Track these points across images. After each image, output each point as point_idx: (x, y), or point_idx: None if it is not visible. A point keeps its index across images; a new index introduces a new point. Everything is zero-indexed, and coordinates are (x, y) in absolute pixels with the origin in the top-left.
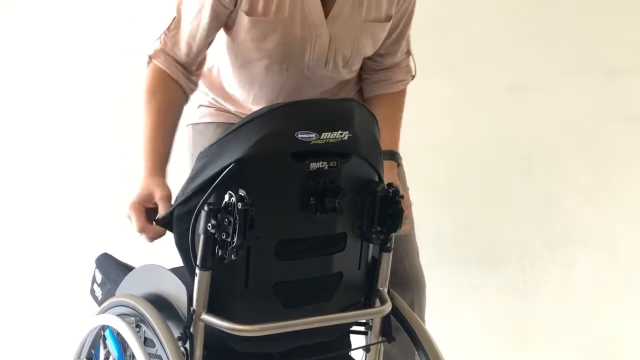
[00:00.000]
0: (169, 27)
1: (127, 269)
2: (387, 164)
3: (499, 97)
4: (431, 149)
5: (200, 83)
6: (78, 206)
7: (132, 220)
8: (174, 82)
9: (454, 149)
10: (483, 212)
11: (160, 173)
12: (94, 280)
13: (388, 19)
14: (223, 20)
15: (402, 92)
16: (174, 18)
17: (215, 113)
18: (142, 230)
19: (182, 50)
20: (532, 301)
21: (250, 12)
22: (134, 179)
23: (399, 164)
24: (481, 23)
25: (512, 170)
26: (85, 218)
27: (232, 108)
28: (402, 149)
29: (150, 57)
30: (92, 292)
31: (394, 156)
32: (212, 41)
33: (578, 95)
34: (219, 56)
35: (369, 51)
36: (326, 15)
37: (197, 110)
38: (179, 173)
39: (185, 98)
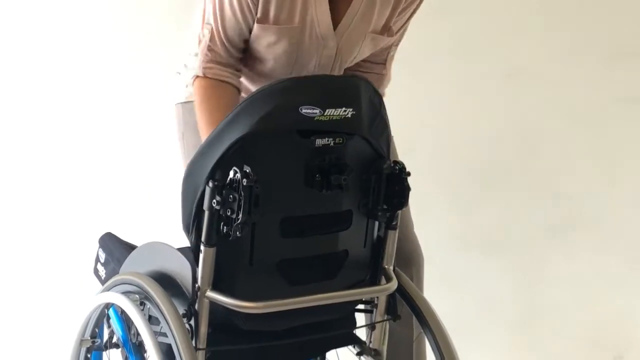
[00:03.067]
0: (210, 39)
1: (131, 248)
2: None
3: (500, 82)
4: (432, 134)
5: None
6: (81, 188)
7: None
8: (228, 86)
9: (455, 134)
10: (485, 197)
11: None
12: (97, 259)
13: (391, 32)
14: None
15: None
16: (210, 29)
17: None
18: None
19: (228, 54)
20: (535, 286)
21: (261, 20)
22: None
23: None
24: (480, 8)
25: (513, 155)
26: (88, 199)
27: None
28: (403, 134)
29: (198, 75)
30: (96, 271)
31: None
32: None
33: (579, 79)
34: None
35: (367, 55)
36: (335, 26)
37: (185, 89)
38: (169, 152)
39: (239, 93)
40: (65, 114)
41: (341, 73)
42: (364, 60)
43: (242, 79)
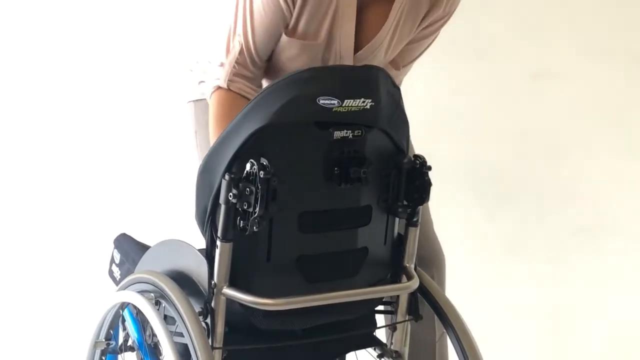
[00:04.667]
0: (240, 52)
1: (146, 248)
2: None
3: (525, 83)
4: (456, 136)
5: (209, 59)
6: (95, 189)
7: None
8: (246, 101)
9: (480, 136)
10: (509, 200)
11: None
12: (112, 261)
13: (397, 66)
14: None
15: None
16: (240, 43)
17: None
18: None
19: (255, 67)
20: (560, 291)
21: (289, 33)
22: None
23: None
24: (506, 8)
25: (539, 157)
26: (102, 200)
27: None
28: (426, 135)
29: (221, 86)
30: (111, 272)
31: None
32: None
33: (606, 80)
34: None
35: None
36: (356, 50)
37: (198, 87)
38: (182, 151)
39: None
40: (79, 115)
41: None
42: None
43: None
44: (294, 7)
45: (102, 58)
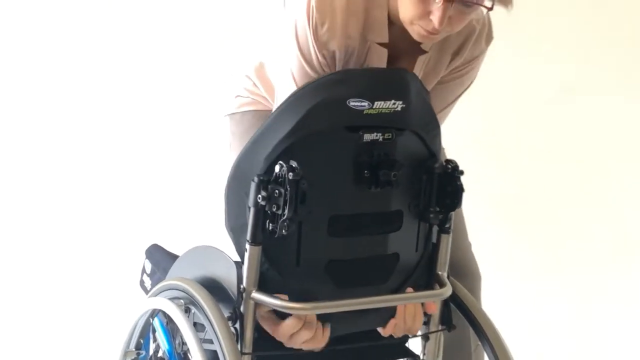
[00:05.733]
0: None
1: (177, 258)
2: None
3: (556, 99)
4: (487, 151)
5: (246, 73)
6: (128, 200)
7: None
8: None
9: (511, 152)
10: (542, 215)
11: None
12: (143, 271)
13: None
14: None
15: None
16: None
17: (253, 101)
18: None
19: None
20: (592, 307)
21: None
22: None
23: None
24: (536, 25)
25: (571, 173)
26: (134, 212)
27: None
28: (456, 150)
29: None
30: (142, 283)
31: None
32: None
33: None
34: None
35: None
36: None
37: (234, 100)
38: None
39: None
40: (114, 129)
41: None
42: None
43: None
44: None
45: (138, 73)
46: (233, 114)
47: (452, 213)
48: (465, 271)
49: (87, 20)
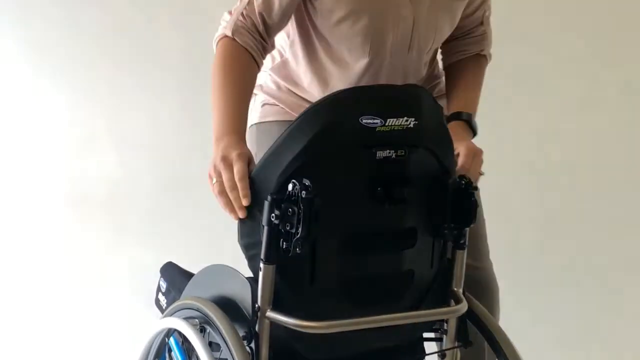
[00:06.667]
0: (248, 3)
1: (192, 276)
2: (459, 125)
3: (584, 109)
4: (518, 161)
5: (270, 76)
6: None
7: (224, 173)
8: (250, 57)
9: (539, 162)
10: (559, 232)
11: (240, 131)
12: (158, 289)
13: None
14: None
15: (481, 59)
16: None
17: (280, 111)
18: (241, 178)
19: (265, 20)
20: (610, 323)
21: None
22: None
23: (474, 132)
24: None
25: (593, 182)
26: (148, 230)
27: (305, 96)
28: (488, 162)
29: (226, 35)
30: (157, 301)
31: (469, 118)
32: (292, 13)
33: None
34: (294, 50)
35: (447, 31)
36: None
37: (261, 109)
38: None
39: (258, 71)
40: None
41: (424, 50)
42: (457, 38)
43: (308, 86)
44: None
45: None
46: (259, 123)
47: (467, 229)
48: (485, 290)
49: (89, 21)
